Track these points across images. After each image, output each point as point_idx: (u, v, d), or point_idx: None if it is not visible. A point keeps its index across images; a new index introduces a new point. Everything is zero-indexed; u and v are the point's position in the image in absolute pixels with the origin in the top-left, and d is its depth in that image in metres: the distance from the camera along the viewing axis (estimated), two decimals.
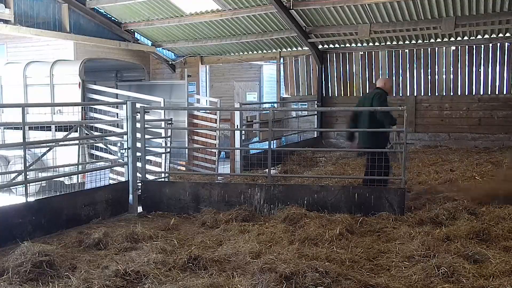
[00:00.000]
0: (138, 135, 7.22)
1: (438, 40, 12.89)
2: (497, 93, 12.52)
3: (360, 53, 13.97)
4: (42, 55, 12.31)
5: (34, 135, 9.18)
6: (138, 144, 7.19)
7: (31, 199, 5.77)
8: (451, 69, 12.96)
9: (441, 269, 4.20)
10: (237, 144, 10.03)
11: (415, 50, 13.27)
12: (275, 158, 8.50)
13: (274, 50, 15.11)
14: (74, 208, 6.20)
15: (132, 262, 4.41)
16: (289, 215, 6.07)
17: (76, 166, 8.37)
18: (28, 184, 5.80)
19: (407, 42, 13.27)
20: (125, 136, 7.23)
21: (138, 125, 7.14)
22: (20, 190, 7.76)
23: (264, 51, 15.30)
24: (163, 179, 8.28)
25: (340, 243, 5.15)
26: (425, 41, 13.11)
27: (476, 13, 11.34)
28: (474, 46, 12.66)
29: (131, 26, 14.73)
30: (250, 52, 15.53)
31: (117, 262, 4.47)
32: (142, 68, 11.88)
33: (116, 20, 14.54)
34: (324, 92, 14.43)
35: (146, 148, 7.43)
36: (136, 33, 15.17)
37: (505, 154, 10.79)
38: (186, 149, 10.69)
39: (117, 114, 9.90)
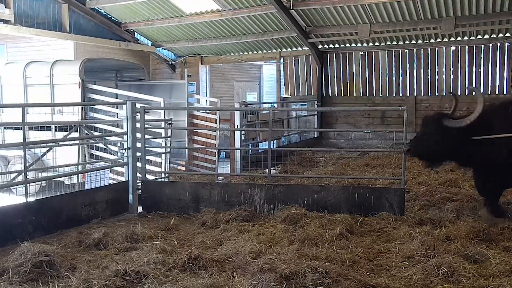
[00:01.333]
0: (138, 135, 7.22)
1: (438, 40, 12.89)
2: (497, 93, 12.51)
3: (360, 53, 13.97)
4: (42, 55, 12.31)
5: (34, 135, 9.18)
6: (138, 144, 7.19)
7: (31, 199, 5.77)
8: (451, 69, 12.96)
9: (441, 269, 4.20)
10: (237, 144, 10.04)
11: (415, 50, 13.27)
12: (275, 158, 8.52)
13: (274, 50, 15.11)
14: (74, 208, 6.19)
15: (132, 262, 4.41)
16: (289, 215, 6.07)
17: (76, 166, 8.38)
18: (28, 184, 5.80)
19: (407, 42, 13.26)
20: (125, 136, 7.23)
21: (138, 125, 7.14)
22: (20, 190, 7.77)
23: (264, 51, 15.30)
24: (163, 179, 8.28)
25: (340, 243, 5.15)
26: (425, 41, 13.10)
27: (476, 13, 11.34)
28: (474, 46, 12.65)
29: (131, 26, 14.73)
30: (250, 52, 15.52)
31: (117, 262, 4.47)
32: (142, 68, 11.88)
33: (116, 20, 14.54)
34: (324, 92, 14.43)
35: (146, 148, 7.43)
36: (136, 33, 15.16)
37: None
38: (186, 149, 10.69)
39: (117, 114, 9.90)
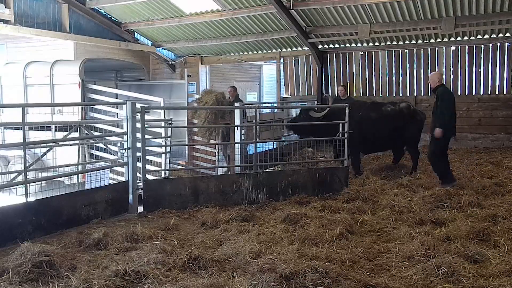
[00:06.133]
0: (138, 135, 7.21)
1: (438, 40, 12.89)
2: (497, 93, 12.52)
3: (360, 53, 13.98)
4: (42, 55, 12.32)
5: (34, 135, 9.18)
6: (138, 144, 7.18)
7: (31, 199, 5.76)
8: (451, 69, 12.96)
9: (441, 269, 4.20)
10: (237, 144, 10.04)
11: (415, 50, 13.27)
12: (277, 158, 9.30)
13: (274, 50, 15.12)
14: (74, 208, 6.18)
15: (132, 262, 4.40)
16: (289, 215, 6.07)
17: (76, 166, 8.37)
18: (28, 184, 5.79)
19: (407, 42, 13.27)
20: (125, 136, 7.22)
21: (138, 125, 7.13)
22: (20, 190, 7.76)
23: (264, 51, 15.31)
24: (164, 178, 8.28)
25: (340, 243, 5.15)
26: (425, 41, 13.11)
27: (476, 13, 11.35)
28: (474, 46, 12.66)
29: (131, 26, 14.74)
30: (250, 52, 15.53)
31: (117, 262, 4.46)
32: (142, 68, 11.90)
33: (116, 20, 14.55)
34: (324, 92, 14.43)
35: (146, 148, 7.43)
36: (136, 33, 15.18)
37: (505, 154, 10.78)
38: (186, 150, 10.68)
39: (117, 114, 9.91)
